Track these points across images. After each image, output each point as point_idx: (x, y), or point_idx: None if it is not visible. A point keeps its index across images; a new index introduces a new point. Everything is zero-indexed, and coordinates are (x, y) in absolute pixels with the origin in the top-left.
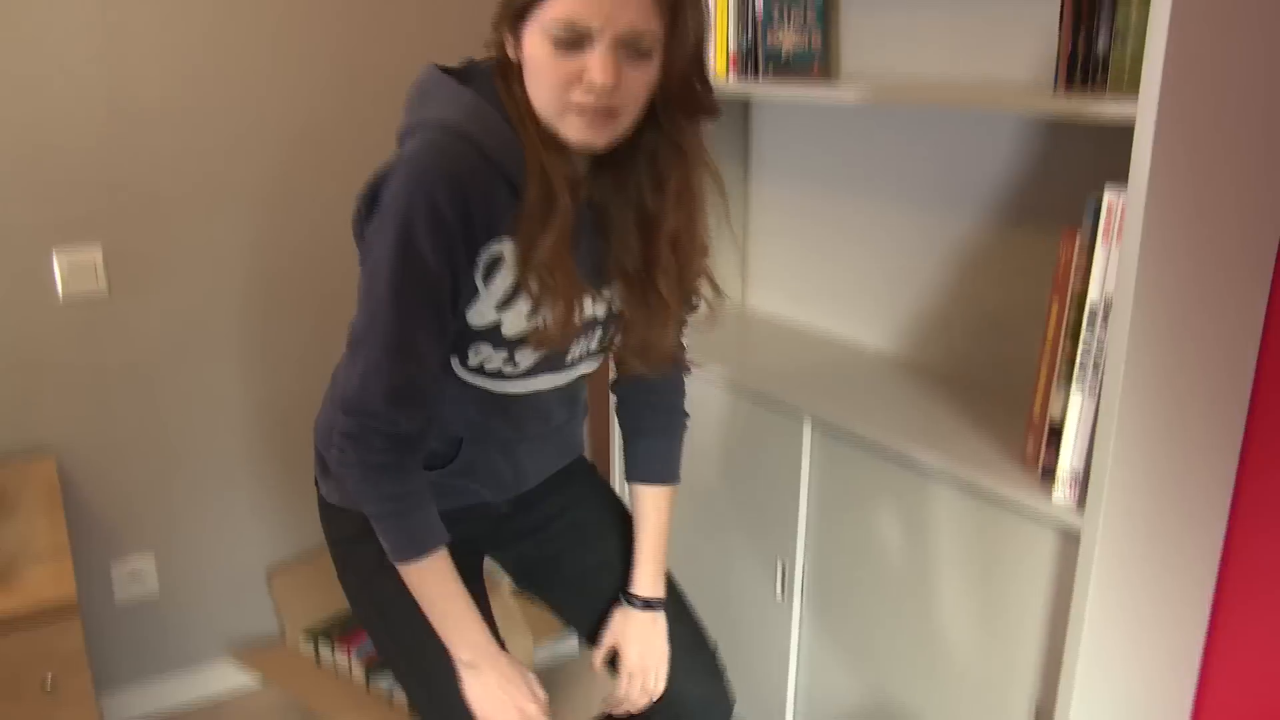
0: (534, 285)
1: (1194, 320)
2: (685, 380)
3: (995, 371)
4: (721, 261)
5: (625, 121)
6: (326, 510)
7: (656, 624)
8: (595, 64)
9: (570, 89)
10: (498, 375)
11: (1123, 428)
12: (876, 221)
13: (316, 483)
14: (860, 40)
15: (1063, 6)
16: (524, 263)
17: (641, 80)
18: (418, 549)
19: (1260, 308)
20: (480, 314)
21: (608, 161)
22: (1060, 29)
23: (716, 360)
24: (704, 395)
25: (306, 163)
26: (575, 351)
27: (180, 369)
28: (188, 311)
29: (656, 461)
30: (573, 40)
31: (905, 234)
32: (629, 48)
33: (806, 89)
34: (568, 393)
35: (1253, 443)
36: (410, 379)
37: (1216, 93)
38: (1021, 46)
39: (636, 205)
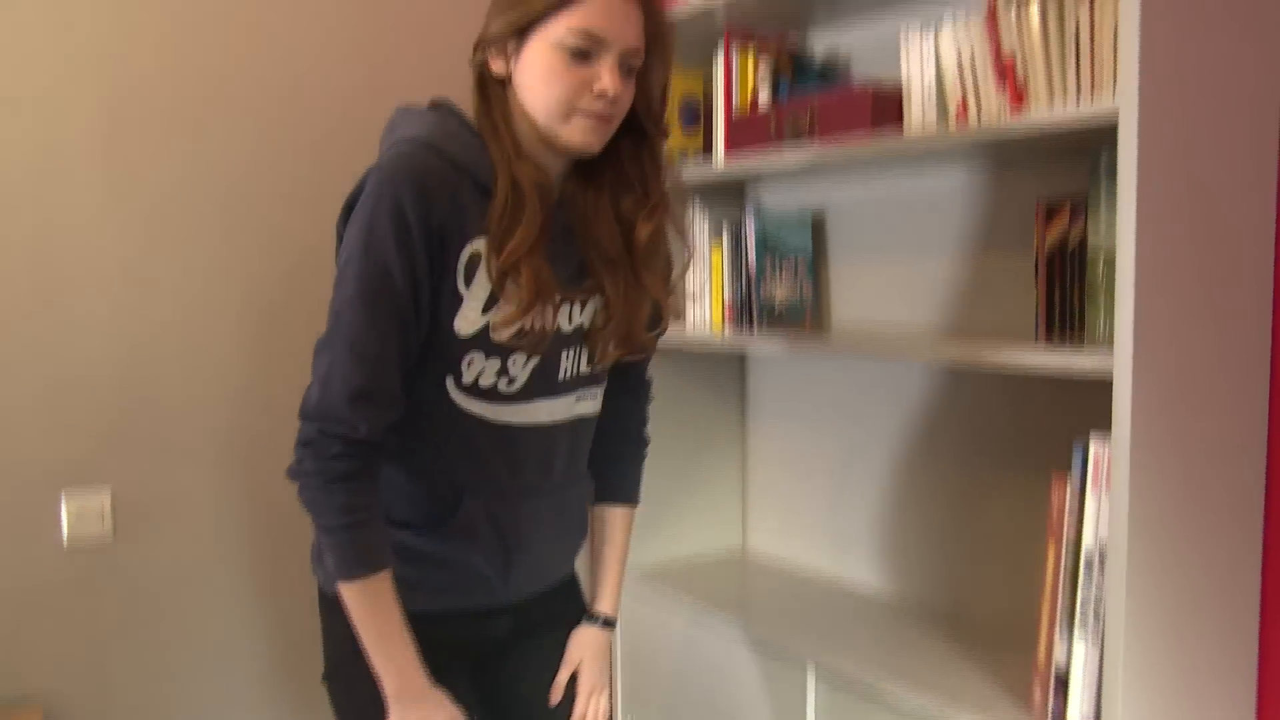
0: (510, 281)
1: (1192, 561)
2: (649, 408)
3: (998, 612)
4: (721, 506)
5: (614, 129)
6: (326, 603)
7: (611, 643)
8: (606, 74)
9: (580, 96)
10: (494, 395)
11: (1129, 677)
12: (873, 464)
13: (314, 571)
14: (849, 291)
15: (1036, 264)
16: (498, 258)
17: (629, 94)
18: (369, 564)
19: (1256, 543)
20: (466, 319)
21: (583, 170)
22: (1036, 284)
23: (716, 607)
24: (702, 645)
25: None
26: (566, 366)
27: (179, 620)
28: (191, 560)
29: (626, 484)
30: (586, 51)
31: (902, 477)
32: (625, 64)
33: (798, 342)
34: (568, 438)
35: (1266, 689)
36: (373, 381)
37: (1188, 347)
38: (1004, 295)
39: (614, 206)
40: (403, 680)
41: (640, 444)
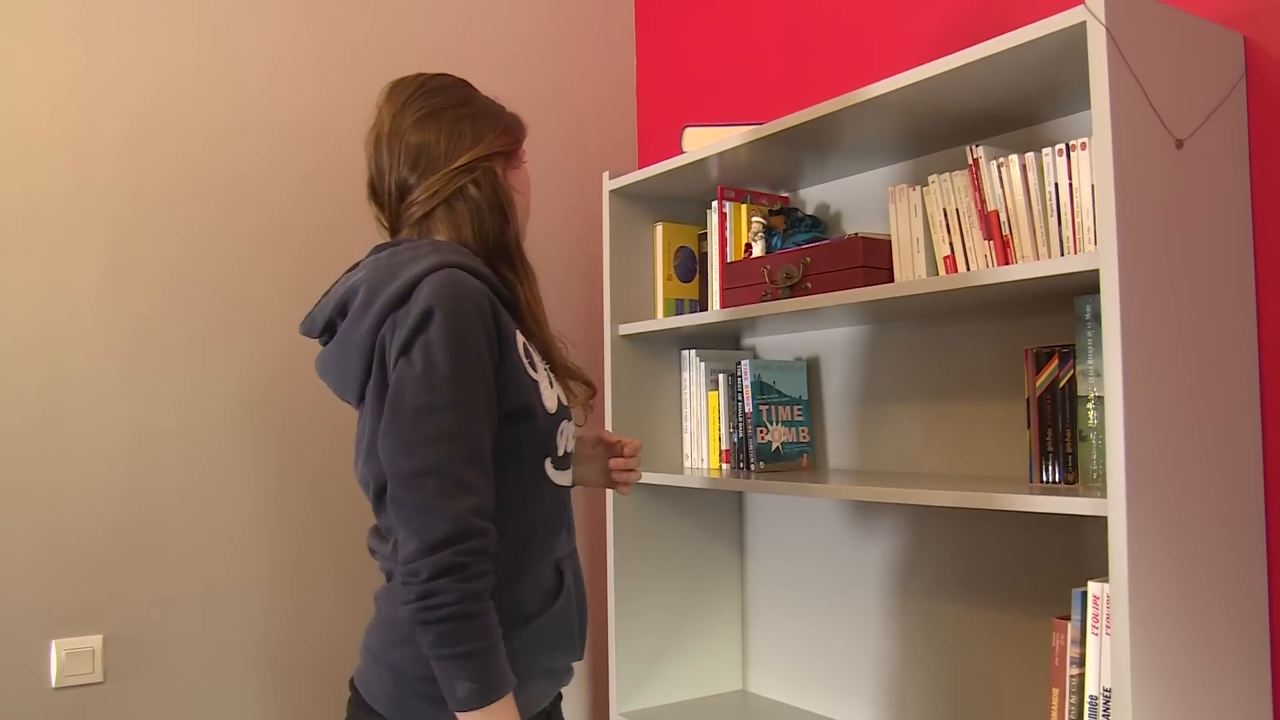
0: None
1: (1199, 704)
2: None
3: None
4: (721, 647)
5: None
6: None
7: None
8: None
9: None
10: (567, 461)
11: None
12: (872, 606)
13: None
14: (845, 433)
15: (1028, 408)
16: (545, 348)
17: None
18: (509, 679)
19: (1265, 684)
20: (549, 397)
21: None
22: (1029, 427)
23: None
24: None
25: (309, 560)
26: (567, 438)
27: None
28: (181, 700)
29: None
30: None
31: (901, 618)
32: None
33: (793, 485)
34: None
35: None
36: (485, 483)
37: (1182, 484)
38: (997, 437)
39: None
40: None
41: None
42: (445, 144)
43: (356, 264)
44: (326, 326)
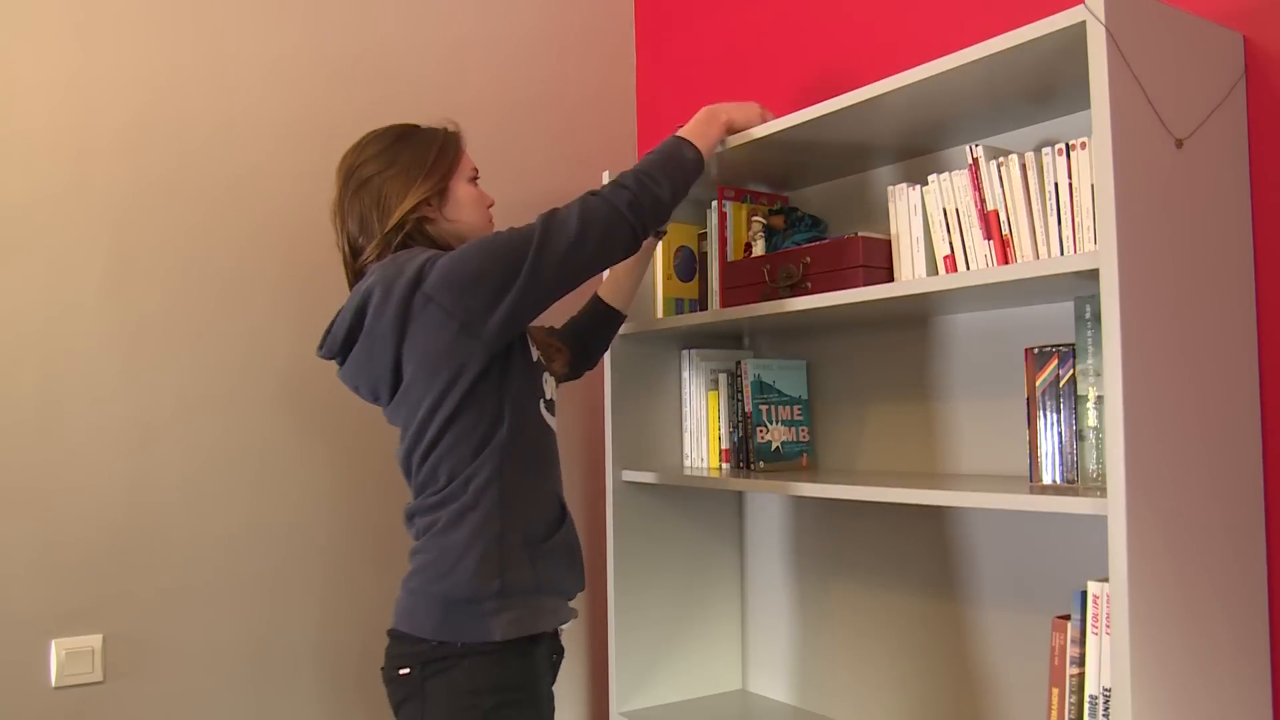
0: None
1: (1199, 703)
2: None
3: None
4: (720, 647)
5: None
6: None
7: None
8: (485, 192)
9: (487, 207)
10: (553, 408)
11: None
12: (872, 605)
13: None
14: (844, 433)
15: (1028, 407)
16: None
17: None
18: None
19: (1265, 680)
20: (531, 350)
21: None
22: (1028, 426)
23: None
24: None
25: (307, 558)
26: (552, 387)
27: None
28: (181, 700)
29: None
30: (477, 179)
31: (901, 617)
32: None
33: (793, 485)
34: None
35: None
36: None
37: (1182, 483)
38: (997, 436)
39: None
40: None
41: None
42: (376, 211)
43: (355, 291)
44: (347, 338)
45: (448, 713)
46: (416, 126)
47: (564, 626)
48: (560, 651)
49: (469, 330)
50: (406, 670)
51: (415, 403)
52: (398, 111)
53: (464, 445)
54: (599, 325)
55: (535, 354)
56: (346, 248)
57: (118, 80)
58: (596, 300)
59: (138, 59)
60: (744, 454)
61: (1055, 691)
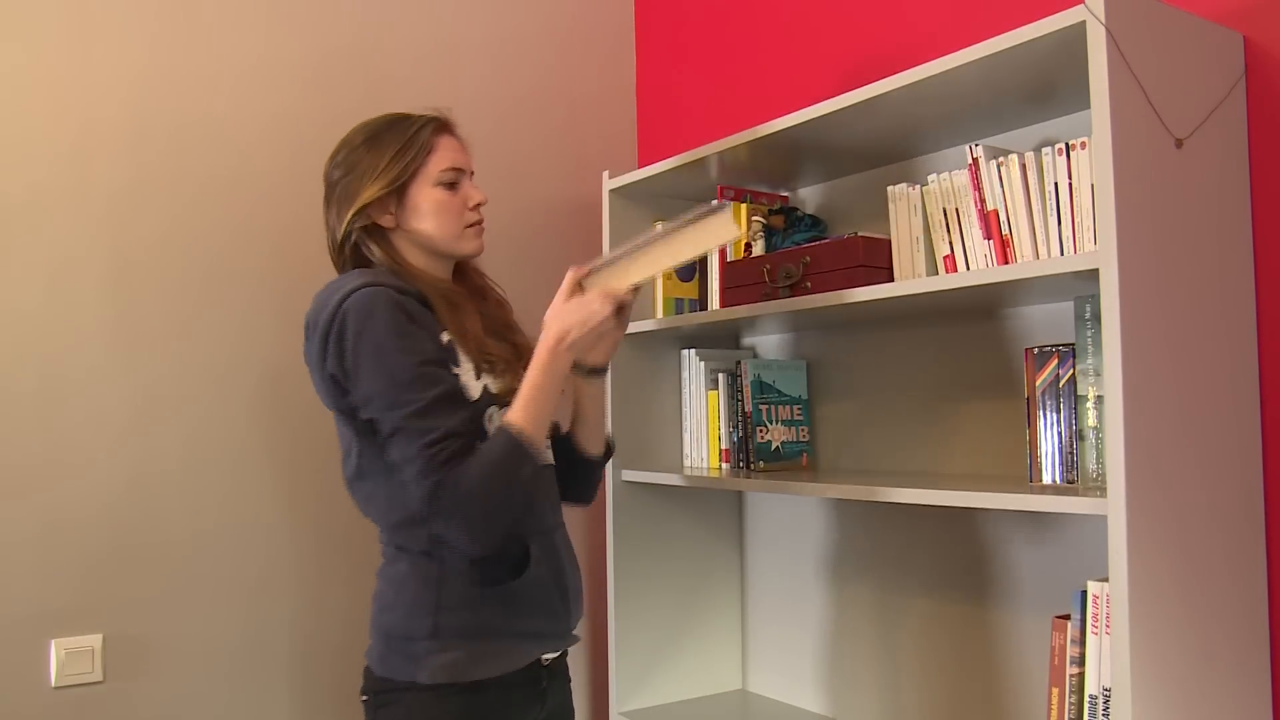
0: (483, 356)
1: (1198, 703)
2: None
3: None
4: (720, 646)
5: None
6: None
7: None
8: (471, 191)
9: (464, 214)
10: None
11: None
12: (872, 604)
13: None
14: (844, 432)
15: (1029, 409)
16: (466, 343)
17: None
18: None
19: (1265, 681)
20: (471, 386)
21: (459, 274)
22: (1029, 427)
23: None
24: None
25: (308, 557)
26: (495, 424)
27: None
28: (181, 700)
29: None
30: (454, 180)
31: (901, 616)
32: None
33: (792, 485)
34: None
35: None
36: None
37: (1181, 483)
38: (997, 436)
39: (493, 298)
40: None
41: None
42: (337, 209)
43: None
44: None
45: None
46: (400, 118)
47: (548, 657)
48: (554, 677)
49: (355, 414)
50: (365, 697)
51: (344, 435)
52: (396, 110)
53: (393, 484)
54: (582, 472)
55: (481, 388)
56: (329, 239)
57: (117, 78)
58: (571, 448)
59: (134, 57)
60: (744, 454)
61: (1055, 691)
